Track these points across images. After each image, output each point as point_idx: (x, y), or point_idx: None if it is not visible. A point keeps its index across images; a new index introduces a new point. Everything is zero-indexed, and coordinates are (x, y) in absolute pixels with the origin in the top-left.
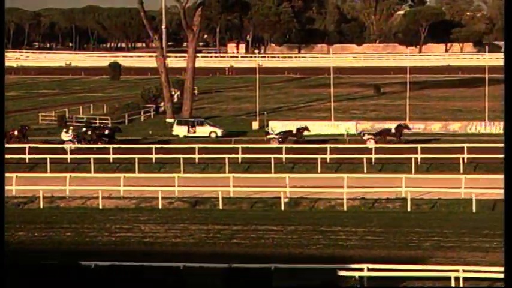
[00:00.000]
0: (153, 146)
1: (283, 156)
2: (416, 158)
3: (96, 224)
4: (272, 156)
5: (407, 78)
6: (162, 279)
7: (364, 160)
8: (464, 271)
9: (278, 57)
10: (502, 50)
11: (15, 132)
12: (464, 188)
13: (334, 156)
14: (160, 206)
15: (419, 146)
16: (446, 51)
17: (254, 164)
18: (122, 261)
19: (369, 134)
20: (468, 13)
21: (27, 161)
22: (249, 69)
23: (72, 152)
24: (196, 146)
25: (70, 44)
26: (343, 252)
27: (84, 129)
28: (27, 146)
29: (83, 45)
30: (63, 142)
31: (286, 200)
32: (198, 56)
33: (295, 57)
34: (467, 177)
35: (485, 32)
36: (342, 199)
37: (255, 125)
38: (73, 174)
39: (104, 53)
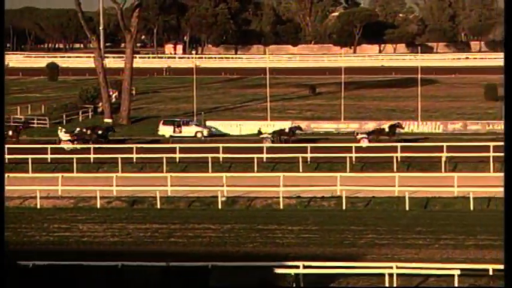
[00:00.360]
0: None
1: (220, 155)
2: (351, 157)
3: (34, 223)
4: (210, 155)
5: (342, 79)
6: (100, 278)
7: (300, 159)
8: (397, 268)
9: (215, 58)
10: (434, 50)
11: (10, 133)
12: (398, 186)
13: (271, 155)
14: (98, 206)
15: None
16: (380, 52)
17: (192, 163)
18: (60, 261)
19: (362, 133)
20: (401, 15)
21: None
22: (186, 70)
23: (71, 152)
24: (134, 146)
25: (8, 45)
26: (279, 250)
27: (78, 129)
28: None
29: (21, 46)
30: (60, 142)
31: (224, 198)
32: (135, 57)
33: (232, 58)
34: (401, 175)
35: (418, 33)
36: (278, 198)
37: None
38: (11, 174)
39: (42, 53)
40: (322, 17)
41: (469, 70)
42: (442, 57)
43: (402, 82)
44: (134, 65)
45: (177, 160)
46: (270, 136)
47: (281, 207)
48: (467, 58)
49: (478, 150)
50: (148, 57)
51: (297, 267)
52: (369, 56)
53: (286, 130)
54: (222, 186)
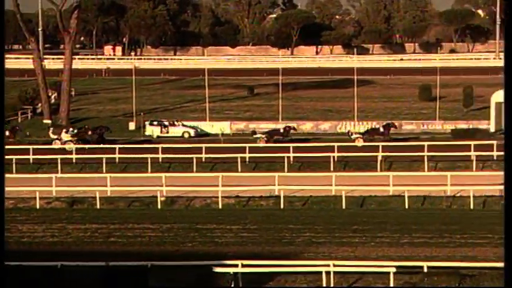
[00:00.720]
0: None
1: (160, 156)
2: (288, 157)
3: None
4: (149, 156)
5: (279, 80)
6: (39, 279)
7: (239, 159)
8: (334, 266)
9: (154, 59)
10: (370, 52)
11: (6, 133)
12: (335, 185)
13: (210, 155)
14: (38, 206)
15: (291, 145)
16: (317, 53)
17: (131, 164)
18: None
19: (357, 133)
20: (337, 17)
21: None
22: (125, 71)
23: (72, 152)
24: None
25: None
26: (218, 249)
27: (71, 129)
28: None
29: None
30: (63, 142)
31: (163, 198)
32: (74, 58)
33: (171, 59)
34: (337, 174)
35: (354, 35)
36: (217, 197)
37: (132, 126)
38: None
39: None
40: (260, 18)
41: (403, 71)
42: (378, 59)
43: (339, 83)
44: (73, 66)
45: (117, 160)
46: (264, 136)
47: (220, 206)
48: (402, 59)
49: (413, 149)
50: (88, 59)
51: (236, 266)
52: (306, 57)
53: (281, 130)
54: (162, 186)
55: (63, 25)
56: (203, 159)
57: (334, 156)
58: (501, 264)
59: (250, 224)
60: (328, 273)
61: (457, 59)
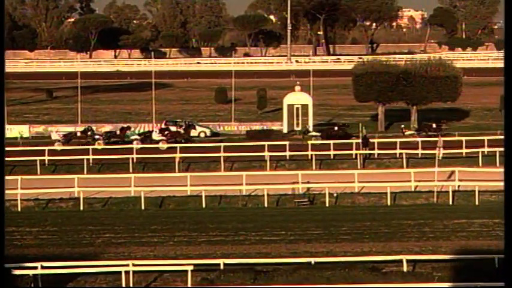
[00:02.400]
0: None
1: None
2: (88, 159)
3: None
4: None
5: (78, 83)
6: None
7: (38, 162)
8: (133, 265)
9: None
10: (167, 56)
11: (78, 134)
12: (134, 186)
13: (10, 158)
14: None
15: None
16: (115, 57)
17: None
18: None
19: (406, 129)
20: (135, 21)
21: None
22: None
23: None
24: None
25: None
26: (17, 251)
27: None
28: None
29: None
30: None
31: None
32: None
33: None
34: (137, 176)
35: (151, 39)
36: (17, 200)
37: None
38: None
39: None
40: (58, 22)
41: (200, 74)
42: (175, 62)
43: (137, 86)
44: None
45: None
46: (319, 134)
47: (19, 209)
48: (198, 63)
49: (210, 150)
50: None
51: (35, 268)
52: (105, 61)
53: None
54: None
55: None
56: None
57: (133, 158)
58: (293, 260)
59: (50, 226)
60: (127, 272)
61: (251, 63)
